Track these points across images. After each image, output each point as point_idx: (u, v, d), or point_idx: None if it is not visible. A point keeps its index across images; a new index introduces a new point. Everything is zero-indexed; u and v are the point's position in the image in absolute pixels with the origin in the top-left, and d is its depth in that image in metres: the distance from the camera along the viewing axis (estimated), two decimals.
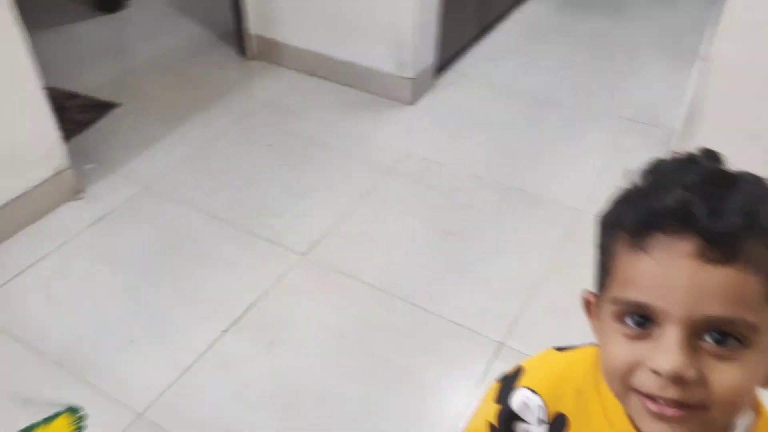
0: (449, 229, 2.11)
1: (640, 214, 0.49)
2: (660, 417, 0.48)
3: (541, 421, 0.63)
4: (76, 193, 2.19)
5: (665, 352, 0.46)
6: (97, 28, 3.21)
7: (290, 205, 2.19)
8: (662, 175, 0.52)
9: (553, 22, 3.40)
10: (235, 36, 2.97)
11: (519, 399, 0.65)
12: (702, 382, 0.46)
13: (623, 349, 0.49)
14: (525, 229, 2.12)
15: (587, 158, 2.44)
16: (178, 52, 3.03)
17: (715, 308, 0.46)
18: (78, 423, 1.55)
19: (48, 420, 1.55)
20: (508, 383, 0.67)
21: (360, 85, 2.76)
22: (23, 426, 1.53)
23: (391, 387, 1.65)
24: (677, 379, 0.46)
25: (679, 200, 0.47)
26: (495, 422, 0.67)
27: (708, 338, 0.46)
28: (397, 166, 2.37)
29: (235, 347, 1.74)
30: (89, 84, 2.74)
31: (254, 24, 2.88)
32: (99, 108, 2.63)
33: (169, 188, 2.24)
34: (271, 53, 2.91)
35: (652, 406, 0.48)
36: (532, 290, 1.89)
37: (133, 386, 1.64)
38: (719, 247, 0.45)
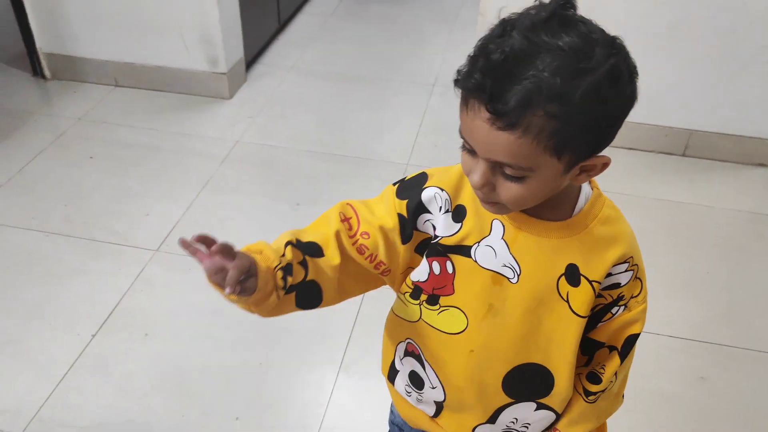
0: (295, 199, 2.22)
1: (462, 85, 0.65)
2: (481, 201, 0.72)
3: (446, 211, 0.78)
4: None
5: (474, 173, 0.68)
6: None
7: (129, 208, 2.16)
8: (484, 45, 0.64)
9: (344, 10, 3.65)
10: (27, 57, 2.81)
11: (429, 194, 0.79)
12: (495, 191, 0.68)
13: (466, 161, 0.70)
14: (362, 188, 2.29)
15: (400, 120, 2.69)
16: None
17: (499, 156, 0.64)
18: None
19: None
20: (415, 184, 0.81)
21: (173, 88, 2.76)
22: None
23: (271, 345, 1.72)
24: (481, 190, 0.68)
25: (477, 81, 0.61)
26: (404, 212, 0.79)
27: (502, 169, 0.66)
28: (230, 155, 2.43)
29: (109, 348, 1.70)
30: None
31: (44, 42, 2.75)
32: None
33: None
34: (70, 70, 2.80)
35: (481, 200, 0.72)
36: None
37: (4, 410, 1.54)
38: (501, 119, 0.61)
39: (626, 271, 0.77)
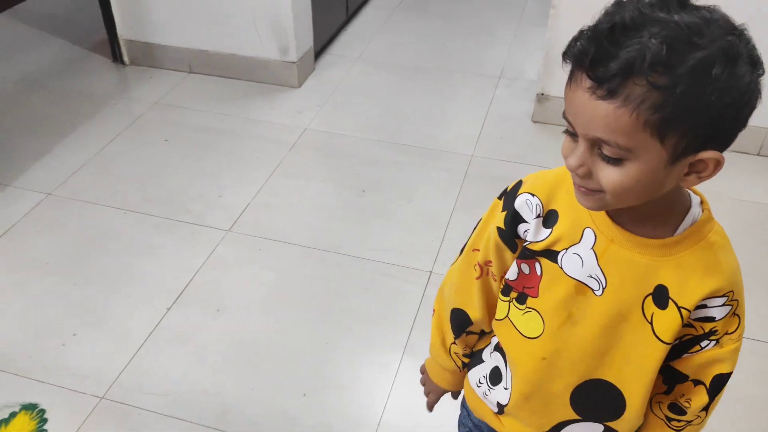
0: (361, 186, 2.26)
1: (567, 54, 0.64)
2: (578, 191, 0.69)
3: (537, 215, 0.77)
4: None
5: (572, 155, 0.65)
6: None
7: (203, 189, 2.24)
8: (601, 18, 0.63)
9: (410, 3, 3.66)
10: (108, 44, 2.93)
11: (520, 201, 0.79)
12: (592, 176, 0.65)
13: (566, 145, 0.68)
14: (426, 177, 2.31)
15: (465, 111, 2.69)
16: (46, 69, 2.93)
17: (598, 131, 0.61)
18: (39, 417, 1.52)
19: (5, 421, 1.51)
20: (511, 193, 0.82)
21: (244, 75, 2.84)
22: None
23: (339, 327, 1.76)
24: (576, 172, 0.66)
25: (580, 47, 0.60)
26: (503, 226, 0.80)
27: (601, 150, 0.63)
28: (299, 142, 2.49)
29: (183, 321, 1.77)
30: None
31: (125, 29, 2.86)
32: None
33: (75, 192, 2.21)
34: (147, 56, 2.91)
35: (578, 189, 0.69)
36: (447, 223, 2.09)
37: (87, 374, 1.63)
38: (601, 86, 0.58)
39: (723, 305, 0.72)
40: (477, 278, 0.86)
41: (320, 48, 3.03)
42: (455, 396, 1.04)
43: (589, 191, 0.66)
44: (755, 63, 0.60)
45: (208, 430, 1.51)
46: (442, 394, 1.04)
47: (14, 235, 2.03)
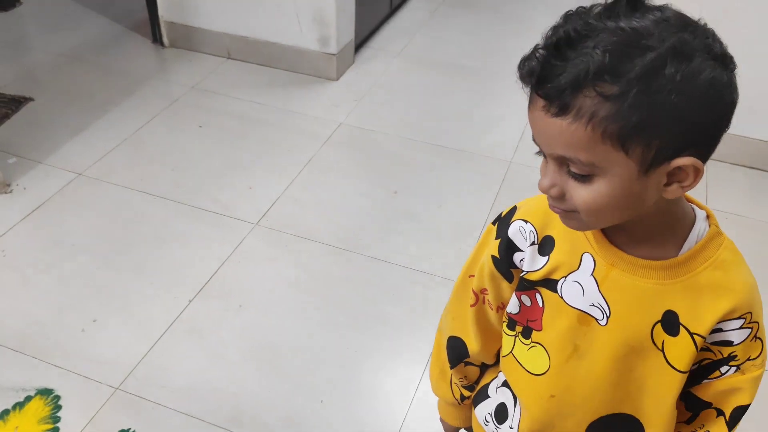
0: (393, 187, 2.20)
1: (519, 75, 0.61)
2: (555, 212, 0.66)
3: (531, 243, 0.73)
4: (3, 186, 2.09)
5: (544, 177, 0.63)
6: None
7: (233, 179, 2.20)
8: (548, 33, 0.60)
9: (452, 0, 3.57)
10: (148, 25, 2.91)
11: (514, 228, 0.75)
12: (565, 197, 0.62)
13: (541, 167, 0.64)
14: (461, 181, 2.24)
15: (506, 116, 2.61)
16: (88, 45, 2.93)
17: (559, 149, 0.58)
18: (53, 403, 1.50)
19: (20, 405, 1.50)
20: (505, 220, 0.78)
21: (282, 64, 2.79)
22: None
23: (363, 333, 1.71)
24: (549, 193, 0.63)
25: (529, 67, 0.58)
26: (497, 254, 0.77)
27: (569, 168, 0.60)
28: (333, 136, 2.44)
29: (204, 314, 1.74)
30: None
31: (166, 10, 2.84)
32: (11, 103, 2.51)
33: (106, 173, 2.19)
34: (187, 39, 2.88)
35: (553, 210, 0.66)
36: (480, 231, 2.02)
37: (104, 362, 1.61)
38: (552, 103, 0.56)
39: (741, 328, 0.67)
40: (471, 306, 0.83)
41: (361, 41, 2.97)
42: None
43: (564, 212, 0.64)
44: (718, 58, 0.56)
45: (219, 430, 1.47)
46: (454, 431, 1.00)
47: (43, 213, 2.02)
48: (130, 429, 1.46)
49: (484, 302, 0.82)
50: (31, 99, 2.54)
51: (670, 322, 0.67)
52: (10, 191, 2.09)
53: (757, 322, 0.68)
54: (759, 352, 0.69)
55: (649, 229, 0.65)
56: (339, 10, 2.61)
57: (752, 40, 2.14)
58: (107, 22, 3.11)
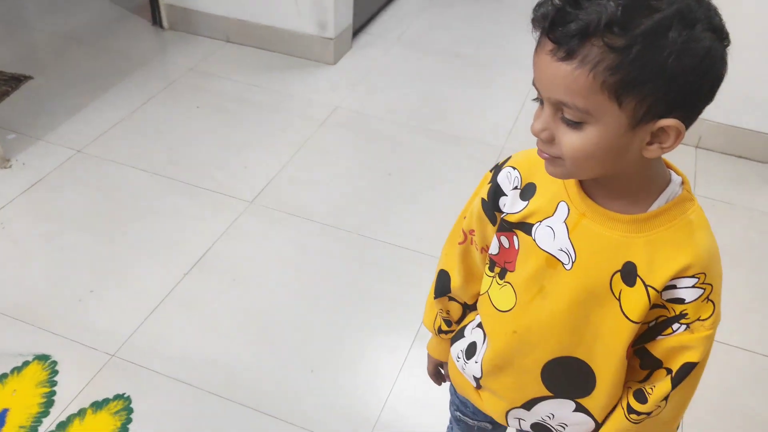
0: (388, 169, 2.24)
1: (533, 19, 0.64)
2: (541, 157, 0.69)
3: (514, 189, 0.78)
4: (2, 162, 2.12)
5: (537, 120, 0.66)
6: None
7: (229, 159, 2.24)
8: None
9: None
10: (148, 7, 2.94)
11: (503, 174, 0.80)
12: (554, 141, 0.65)
13: (536, 113, 0.67)
14: (454, 165, 2.28)
15: (501, 102, 2.65)
16: (88, 26, 2.96)
17: (558, 93, 0.62)
18: (50, 368, 1.54)
19: (18, 369, 1.54)
20: (498, 167, 0.83)
21: (280, 48, 2.83)
22: None
23: (353, 307, 1.75)
24: (539, 137, 0.66)
25: (543, 11, 0.62)
26: (486, 197, 0.82)
27: (563, 114, 0.63)
28: (329, 119, 2.47)
29: (198, 287, 1.78)
30: None
31: None
32: (11, 81, 2.54)
33: (105, 150, 2.23)
34: (186, 22, 2.91)
35: (540, 154, 0.69)
36: None
37: (101, 331, 1.65)
38: (560, 48, 0.60)
39: (694, 287, 0.70)
40: (460, 243, 0.89)
41: (359, 26, 3.00)
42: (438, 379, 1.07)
43: (551, 158, 0.67)
44: (717, 31, 0.60)
45: (212, 397, 1.52)
46: (434, 364, 1.06)
47: (43, 188, 2.06)
48: (125, 393, 1.50)
49: (471, 242, 0.87)
50: (30, 77, 2.57)
51: (629, 273, 0.71)
52: (10, 166, 2.13)
53: (711, 285, 0.71)
54: (710, 314, 0.71)
55: (624, 186, 0.69)
56: None
57: (748, 33, 2.18)
58: (107, 4, 3.14)
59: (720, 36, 0.60)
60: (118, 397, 1.50)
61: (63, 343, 1.61)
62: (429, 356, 1.05)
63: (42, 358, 1.56)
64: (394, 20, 3.21)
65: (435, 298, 0.95)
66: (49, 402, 1.48)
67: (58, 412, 1.47)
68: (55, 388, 1.50)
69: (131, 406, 1.48)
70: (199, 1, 2.84)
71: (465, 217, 0.88)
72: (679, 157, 2.38)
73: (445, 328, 0.97)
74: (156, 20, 2.95)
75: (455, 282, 0.91)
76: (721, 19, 0.61)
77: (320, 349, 1.64)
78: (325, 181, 2.18)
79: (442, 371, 1.06)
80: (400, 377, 1.59)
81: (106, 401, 1.49)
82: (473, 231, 0.86)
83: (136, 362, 1.58)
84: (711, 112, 2.62)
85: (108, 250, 1.87)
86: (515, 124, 2.51)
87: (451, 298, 0.94)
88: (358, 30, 3.00)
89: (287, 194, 2.10)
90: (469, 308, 0.95)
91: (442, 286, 0.94)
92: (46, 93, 2.49)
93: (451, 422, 1.10)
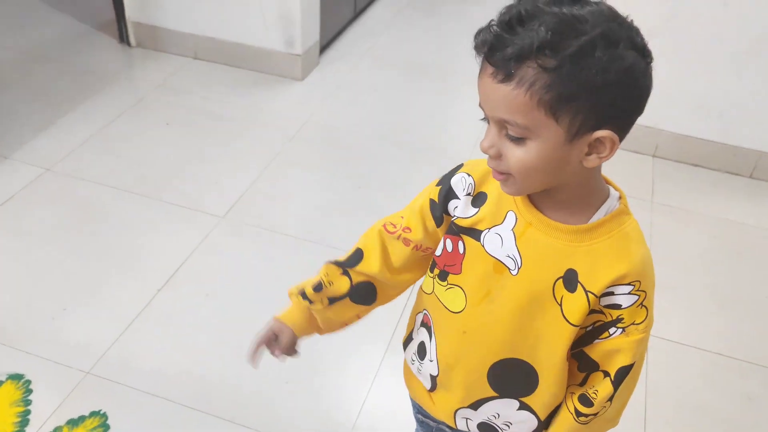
0: (357, 181, 2.28)
1: (474, 45, 0.70)
2: (494, 176, 0.74)
3: (467, 195, 0.83)
4: None
5: (485, 138, 0.71)
6: None
7: (200, 174, 2.26)
8: (502, 11, 0.70)
9: (419, 3, 3.69)
10: (115, 25, 2.94)
11: (457, 178, 0.85)
12: (502, 157, 0.71)
13: (486, 132, 0.72)
14: (423, 175, 2.32)
15: (466, 114, 2.71)
16: (53, 43, 2.95)
17: (500, 112, 0.67)
18: (24, 387, 1.54)
19: None
20: (450, 173, 0.87)
21: (248, 65, 2.86)
22: None
23: None
24: (488, 152, 0.72)
25: (483, 37, 0.67)
26: (436, 198, 0.86)
27: (507, 131, 0.69)
28: (299, 133, 2.51)
29: (172, 302, 1.80)
30: None
31: (133, 11, 2.88)
32: None
33: (73, 168, 2.23)
34: (153, 39, 2.93)
35: (493, 173, 0.74)
36: None
37: (75, 348, 1.65)
38: (499, 70, 0.65)
39: (630, 294, 0.76)
40: (389, 233, 0.90)
41: (326, 42, 3.06)
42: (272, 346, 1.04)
43: (500, 174, 0.73)
44: (638, 49, 0.66)
45: (189, 411, 1.53)
46: (288, 335, 1.03)
47: (12, 207, 2.05)
48: (101, 410, 1.51)
49: (397, 236, 0.90)
50: None
51: (570, 279, 0.77)
52: None
53: (645, 292, 0.77)
54: (643, 319, 0.77)
55: (567, 197, 0.75)
56: (304, 12, 2.69)
57: (702, 49, 2.29)
58: (73, 22, 3.13)
59: (642, 53, 0.67)
60: (94, 414, 1.50)
61: (36, 361, 1.61)
62: (277, 322, 1.02)
63: (15, 377, 1.56)
64: (360, 36, 3.27)
65: (330, 262, 0.94)
66: (24, 421, 1.48)
67: (33, 431, 1.47)
68: (29, 407, 1.50)
69: (108, 422, 1.49)
70: (166, 18, 2.86)
71: (401, 217, 0.91)
72: (637, 165, 2.48)
73: (310, 292, 0.94)
74: (123, 38, 2.96)
75: (371, 266, 0.91)
76: (642, 39, 0.67)
77: (295, 361, 1.67)
78: (296, 194, 2.22)
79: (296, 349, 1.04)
80: (374, 384, 1.63)
81: (82, 418, 1.49)
82: (408, 228, 0.89)
83: (112, 378, 1.59)
84: (666, 122, 2.71)
85: (80, 267, 1.88)
86: (480, 134, 2.58)
87: (346, 273, 0.93)
88: (325, 46, 3.05)
89: (259, 208, 2.13)
90: (360, 290, 0.94)
91: (350, 260, 0.92)
92: (11, 111, 2.48)
93: (416, 425, 1.13)
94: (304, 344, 1.73)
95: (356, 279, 0.93)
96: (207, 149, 2.39)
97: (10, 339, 1.65)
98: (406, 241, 0.90)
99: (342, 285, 0.94)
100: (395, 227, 0.91)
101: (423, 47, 3.22)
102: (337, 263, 0.94)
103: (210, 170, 2.28)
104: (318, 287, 0.94)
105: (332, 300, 0.95)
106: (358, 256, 0.92)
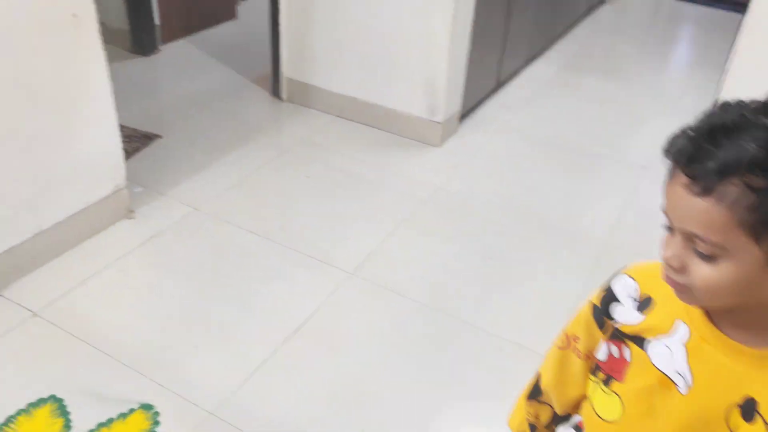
0: (486, 253, 2.25)
1: (667, 150, 0.65)
2: (668, 284, 0.69)
3: (633, 300, 0.78)
4: (128, 212, 2.28)
5: (666, 247, 0.67)
6: (133, 69, 3.37)
7: (334, 229, 2.32)
8: (703, 119, 0.66)
9: (560, 80, 3.67)
10: (269, 79, 3.15)
11: (620, 282, 0.81)
12: (685, 271, 0.65)
13: (664, 240, 0.68)
14: (555, 257, 2.26)
15: (603, 197, 2.63)
16: (213, 93, 3.19)
17: (692, 226, 0.63)
18: (153, 419, 1.60)
19: (124, 416, 1.61)
20: (613, 275, 0.83)
21: (389, 127, 2.94)
22: (102, 420, 1.58)
23: (441, 389, 1.74)
24: (669, 264, 0.67)
25: (679, 146, 0.63)
26: (598, 303, 0.83)
27: (695, 246, 0.64)
28: (432, 198, 2.53)
29: (297, 354, 1.82)
30: (130, 118, 2.85)
31: (288, 68, 3.07)
32: (142, 138, 2.75)
33: (218, 210, 2.36)
34: (303, 95, 3.09)
35: (667, 280, 0.69)
36: (571, 310, 2.02)
37: (202, 387, 1.70)
38: (697, 183, 0.61)
39: None
40: (560, 348, 0.90)
41: (467, 111, 3.09)
42: None
43: (678, 285, 0.67)
44: None
45: None
46: None
47: (160, 241, 2.19)
48: None
49: (572, 349, 0.88)
50: (159, 136, 2.78)
51: (749, 409, 0.69)
52: (134, 217, 2.28)
53: None
54: None
55: (752, 318, 0.69)
56: (449, 82, 2.74)
57: None
58: (232, 74, 3.39)
59: None
60: None
61: (167, 395, 1.67)
62: None
63: (146, 407, 1.63)
64: (500, 108, 3.28)
65: (527, 398, 0.96)
66: None
67: None
68: None
69: None
70: (318, 77, 3.02)
71: (571, 330, 0.89)
72: None
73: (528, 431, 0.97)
74: (275, 92, 3.15)
75: (544, 381, 0.92)
76: None
77: (413, 424, 1.63)
78: (424, 259, 2.21)
79: None
80: None
81: None
82: (577, 337, 0.87)
83: (234, 423, 1.62)
84: None
85: (213, 307, 1.96)
86: (618, 220, 2.48)
87: (542, 402, 0.94)
88: (465, 114, 3.08)
89: (386, 269, 2.14)
90: (558, 420, 0.94)
91: (536, 387, 0.95)
92: (172, 152, 2.68)
93: None
94: (416, 415, 1.67)
95: (552, 402, 0.94)
96: (342, 205, 2.45)
97: (147, 369, 1.74)
98: (579, 352, 0.87)
99: (545, 414, 0.96)
100: (567, 340, 0.89)
101: (561, 125, 3.18)
102: (533, 396, 0.95)
103: (342, 226, 2.34)
104: (533, 428, 0.97)
105: (546, 427, 0.97)
106: (539, 380, 0.94)
